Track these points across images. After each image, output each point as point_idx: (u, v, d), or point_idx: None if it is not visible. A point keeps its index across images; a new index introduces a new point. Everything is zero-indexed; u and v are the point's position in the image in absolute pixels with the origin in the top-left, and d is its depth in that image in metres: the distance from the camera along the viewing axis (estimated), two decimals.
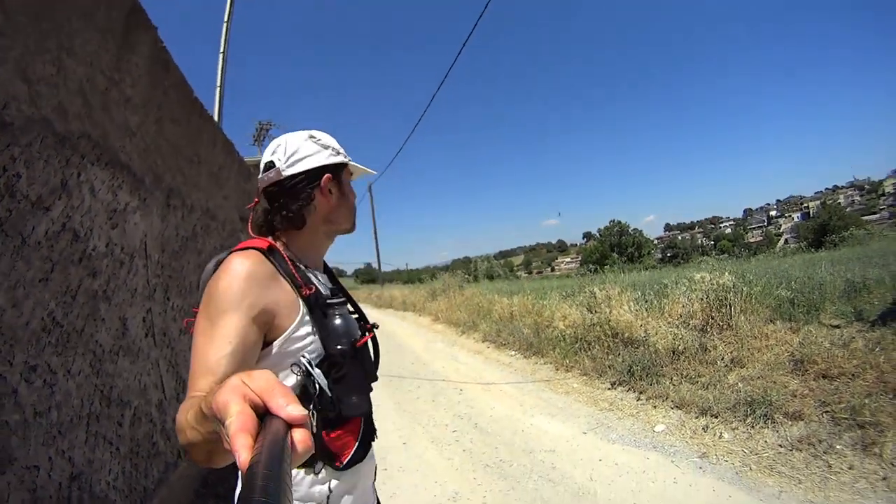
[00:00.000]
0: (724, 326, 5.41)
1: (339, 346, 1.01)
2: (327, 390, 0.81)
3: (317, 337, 1.01)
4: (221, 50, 6.37)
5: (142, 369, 2.61)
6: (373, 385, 1.16)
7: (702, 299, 5.87)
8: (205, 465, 0.75)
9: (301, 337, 1.00)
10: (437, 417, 5.28)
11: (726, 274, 6.02)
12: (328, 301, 1.05)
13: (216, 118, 6.28)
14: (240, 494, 0.35)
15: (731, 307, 5.52)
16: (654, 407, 4.66)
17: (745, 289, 5.62)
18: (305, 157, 1.12)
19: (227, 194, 5.07)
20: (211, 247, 4.36)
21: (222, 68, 6.28)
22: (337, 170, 1.17)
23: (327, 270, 1.27)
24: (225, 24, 6.58)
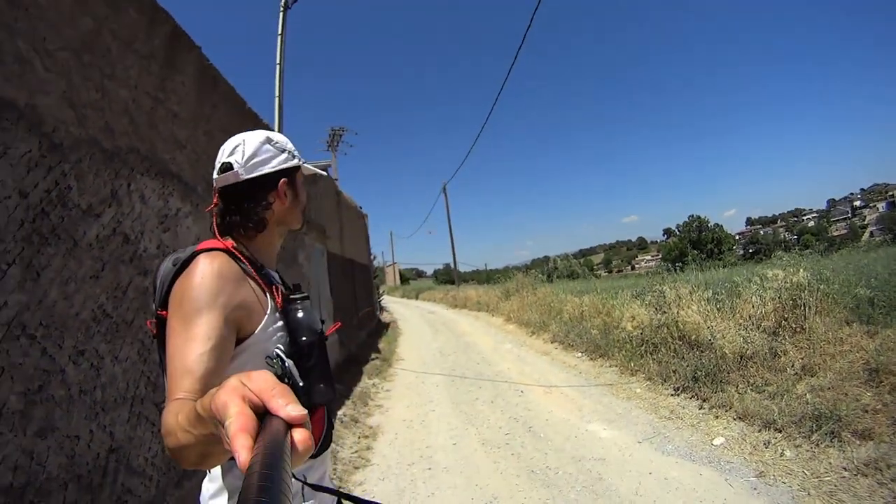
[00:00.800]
0: (797, 329, 4.96)
1: (304, 338, 1.05)
2: (299, 381, 0.81)
3: (284, 332, 1.06)
4: (278, 62, 6.84)
5: None
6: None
7: (774, 299, 5.44)
8: (193, 468, 0.75)
9: (271, 334, 1.04)
10: (493, 419, 5.25)
11: (801, 271, 5.48)
12: (290, 297, 1.11)
13: (276, 127, 6.71)
14: (240, 495, 0.34)
15: (805, 307, 5.06)
16: (716, 417, 4.38)
17: (821, 287, 5.08)
18: (264, 162, 1.15)
19: None
20: None
21: (280, 79, 6.74)
22: (292, 173, 1.21)
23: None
24: (279, 37, 7.08)
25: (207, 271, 0.97)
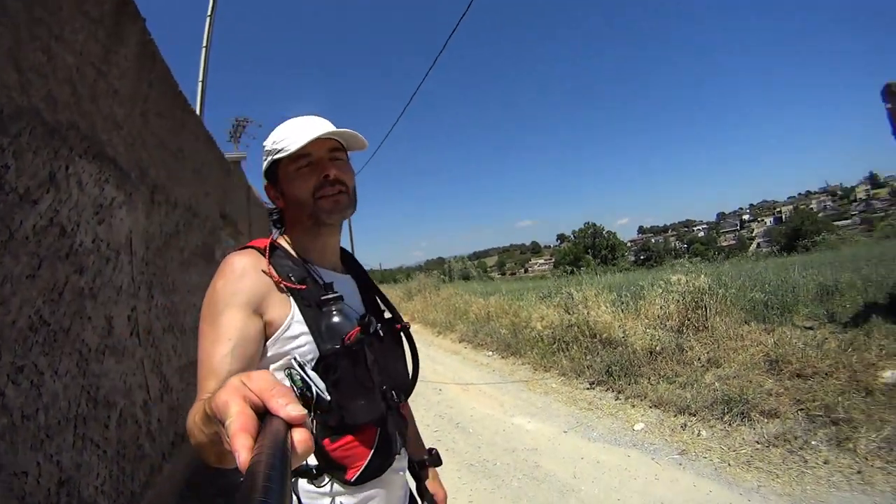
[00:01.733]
0: (700, 328, 5.56)
1: (329, 346, 0.94)
2: (324, 394, 0.70)
3: (311, 337, 0.96)
4: (204, 45, 6.26)
5: (127, 369, 2.53)
6: (399, 392, 1.09)
7: (678, 301, 6.02)
8: (216, 465, 0.74)
9: (294, 336, 0.95)
10: (418, 417, 5.23)
11: (702, 276, 6.19)
12: (321, 298, 0.97)
13: (198, 113, 6.16)
14: (240, 495, 0.34)
15: (706, 309, 5.68)
16: (633, 406, 4.75)
17: (720, 291, 5.79)
18: (264, 166, 1.11)
19: (208, 190, 4.96)
20: (193, 244, 4.25)
21: (205, 63, 6.17)
22: (273, 171, 1.09)
23: (354, 267, 1.22)
24: (208, 19, 6.48)
25: (229, 270, 0.95)
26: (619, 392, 5.11)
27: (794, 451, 3.31)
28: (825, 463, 3.12)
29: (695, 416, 4.11)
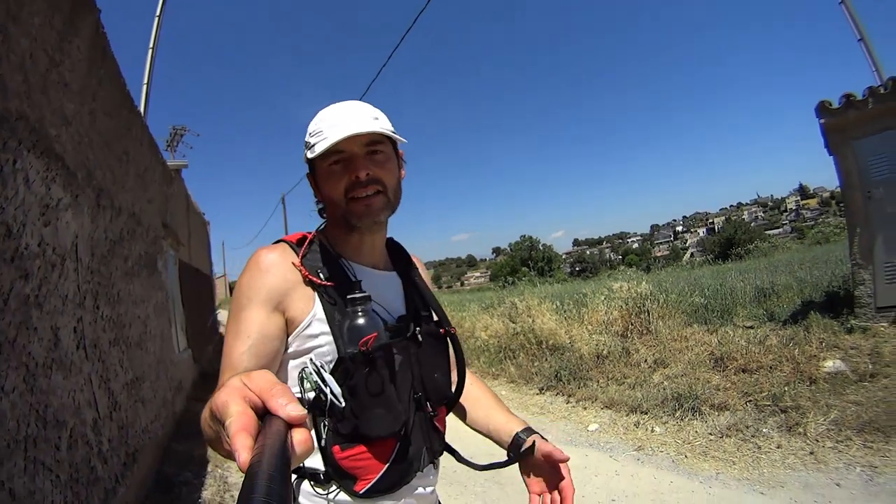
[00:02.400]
0: (644, 331, 5.83)
1: (349, 349, 0.88)
2: (338, 401, 0.67)
3: (331, 337, 0.90)
4: (151, 45, 5.91)
5: (75, 385, 2.31)
6: (438, 403, 1.02)
7: (621, 307, 6.28)
8: (228, 458, 0.68)
9: (314, 335, 0.91)
10: None
11: (643, 283, 6.50)
12: (347, 296, 0.89)
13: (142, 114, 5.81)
14: (240, 494, 0.33)
15: (649, 313, 5.96)
16: (585, 408, 4.88)
17: (661, 297, 6.10)
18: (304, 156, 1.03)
19: (151, 197, 4.67)
20: (136, 253, 3.98)
21: (150, 65, 5.82)
22: (312, 163, 1.01)
23: (403, 264, 1.12)
24: (157, 19, 6.14)
25: (254, 266, 0.92)
26: (570, 396, 5.22)
27: (747, 439, 3.50)
28: (778, 447, 3.32)
29: (647, 413, 4.26)
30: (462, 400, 1.12)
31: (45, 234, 2.23)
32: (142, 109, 5.71)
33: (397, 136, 1.00)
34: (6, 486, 1.57)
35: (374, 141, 0.96)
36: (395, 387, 0.89)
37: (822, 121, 4.76)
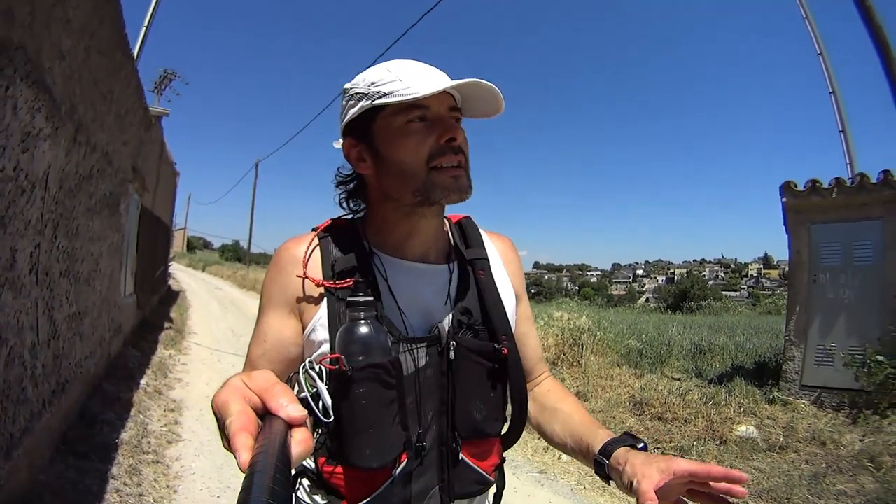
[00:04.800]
0: (574, 363, 6.04)
1: (314, 365, 0.71)
2: (325, 416, 0.61)
3: (328, 345, 0.77)
4: None
5: (22, 307, 2.41)
6: (467, 435, 0.81)
7: (557, 336, 6.46)
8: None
9: (317, 342, 0.80)
10: None
11: (583, 317, 6.75)
12: (348, 300, 0.71)
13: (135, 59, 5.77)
14: (240, 494, 0.34)
15: (583, 347, 6.20)
16: None
17: (598, 333, 6.36)
18: (342, 119, 0.84)
19: (126, 140, 4.70)
20: (102, 192, 4.02)
21: (154, 8, 5.78)
22: (365, 124, 0.81)
23: (468, 257, 0.90)
24: None
25: (275, 262, 0.86)
26: None
27: None
28: None
29: None
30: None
31: (22, 160, 2.32)
32: (137, 51, 5.69)
33: (494, 99, 0.81)
34: None
35: (455, 109, 0.82)
36: (396, 413, 0.73)
37: (783, 199, 4.99)
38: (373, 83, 0.77)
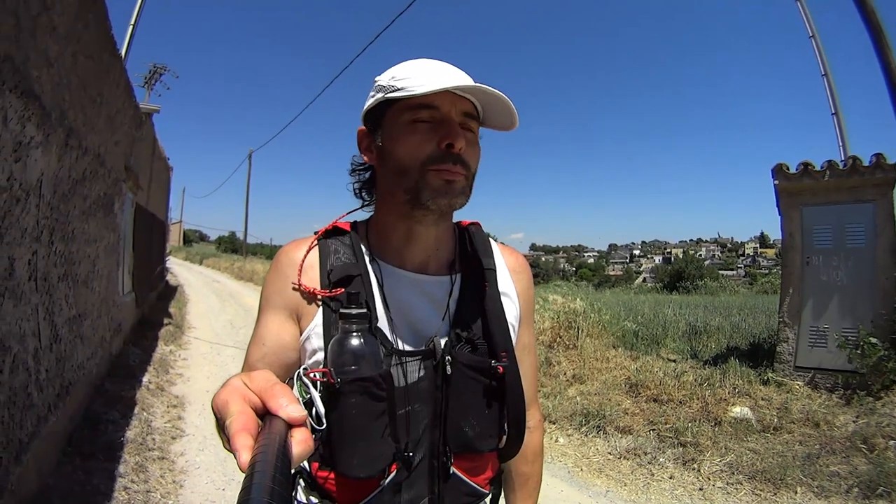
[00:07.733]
0: (570, 346, 6.10)
1: (305, 376, 0.73)
2: (318, 424, 0.62)
3: (323, 353, 0.77)
4: None
5: (23, 314, 2.45)
6: (460, 450, 0.81)
7: (552, 319, 6.53)
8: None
9: (311, 350, 0.80)
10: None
11: (578, 300, 6.79)
12: (341, 311, 0.71)
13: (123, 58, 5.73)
14: (240, 494, 0.34)
15: (578, 330, 6.25)
16: None
17: (593, 315, 6.41)
18: (369, 104, 0.83)
19: (118, 140, 4.70)
20: (96, 193, 4.04)
21: (140, 5, 5.72)
22: (378, 115, 0.81)
23: (473, 267, 0.89)
24: None
25: (276, 264, 0.86)
26: None
27: (643, 464, 3.74)
28: (670, 478, 3.53)
29: (555, 423, 4.52)
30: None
31: (15, 170, 2.34)
32: (125, 49, 5.64)
33: (508, 113, 0.80)
34: None
35: (470, 114, 0.80)
36: (386, 425, 0.74)
37: (776, 182, 5.01)
38: (393, 77, 0.77)
